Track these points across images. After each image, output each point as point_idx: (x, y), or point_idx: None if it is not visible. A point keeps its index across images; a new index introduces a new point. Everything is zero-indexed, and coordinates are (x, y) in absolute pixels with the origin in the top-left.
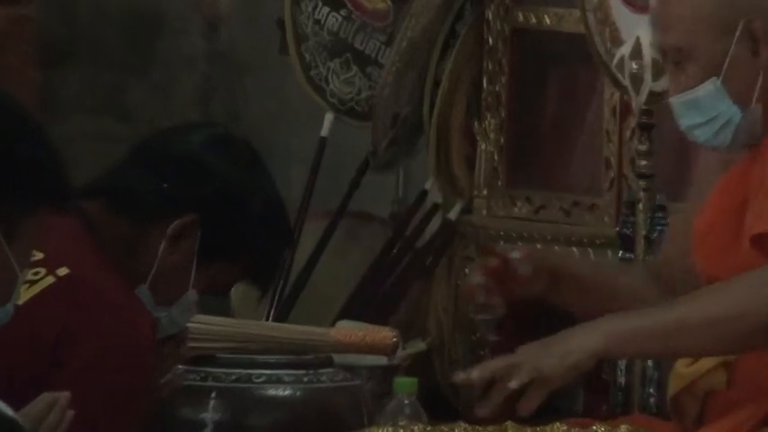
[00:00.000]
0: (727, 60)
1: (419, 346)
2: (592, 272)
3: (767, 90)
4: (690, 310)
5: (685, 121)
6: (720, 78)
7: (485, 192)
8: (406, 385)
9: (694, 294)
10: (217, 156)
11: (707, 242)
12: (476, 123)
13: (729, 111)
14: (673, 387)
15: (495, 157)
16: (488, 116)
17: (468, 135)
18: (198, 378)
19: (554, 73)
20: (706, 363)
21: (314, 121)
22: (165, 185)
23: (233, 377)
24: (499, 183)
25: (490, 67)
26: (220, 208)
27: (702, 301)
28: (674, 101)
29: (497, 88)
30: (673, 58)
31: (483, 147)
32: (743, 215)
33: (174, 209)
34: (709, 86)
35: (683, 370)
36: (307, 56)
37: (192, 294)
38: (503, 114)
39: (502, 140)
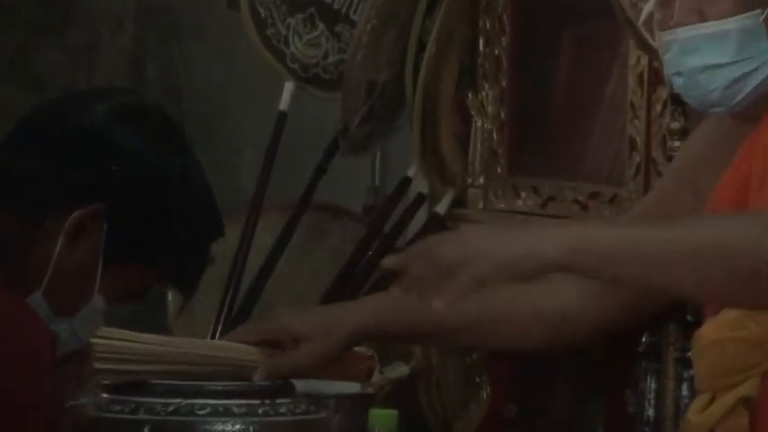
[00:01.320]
0: None
1: (400, 369)
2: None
3: None
4: (691, 232)
5: (693, 59)
6: (764, 14)
7: (481, 180)
8: (383, 418)
9: (696, 218)
10: (125, 130)
11: None
12: (470, 95)
13: (763, 56)
14: None
15: (494, 137)
16: (485, 86)
17: (461, 109)
18: (127, 410)
19: (567, 33)
20: (721, 405)
21: (271, 92)
22: (60, 168)
23: (170, 408)
24: (499, 169)
25: (488, 25)
26: (130, 195)
27: (707, 224)
28: (687, 33)
29: (497, 51)
30: None
31: (479, 124)
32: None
33: (73, 198)
34: (747, 20)
35: (695, 418)
36: (261, 11)
37: (97, 302)
38: (503, 84)
39: (502, 116)
